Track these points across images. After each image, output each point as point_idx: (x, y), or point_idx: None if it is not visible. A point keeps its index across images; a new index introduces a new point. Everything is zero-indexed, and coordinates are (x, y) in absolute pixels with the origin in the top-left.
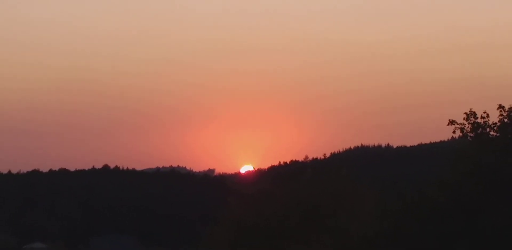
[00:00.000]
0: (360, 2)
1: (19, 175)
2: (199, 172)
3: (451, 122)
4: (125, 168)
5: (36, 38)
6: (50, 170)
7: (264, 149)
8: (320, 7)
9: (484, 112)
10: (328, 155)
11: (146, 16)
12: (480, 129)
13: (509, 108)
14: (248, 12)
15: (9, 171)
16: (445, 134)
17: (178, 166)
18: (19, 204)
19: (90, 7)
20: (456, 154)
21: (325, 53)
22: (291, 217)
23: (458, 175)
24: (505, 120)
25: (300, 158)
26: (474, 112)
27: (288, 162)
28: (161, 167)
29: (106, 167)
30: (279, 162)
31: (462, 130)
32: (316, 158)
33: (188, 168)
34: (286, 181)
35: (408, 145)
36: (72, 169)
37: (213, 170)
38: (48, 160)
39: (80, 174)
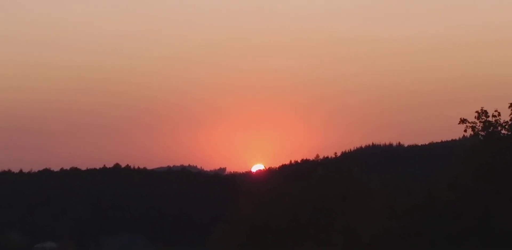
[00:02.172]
0: (370, 2)
1: (30, 174)
2: (210, 171)
3: (463, 121)
4: (136, 167)
5: (48, 38)
6: (62, 169)
7: (275, 147)
8: (330, 6)
9: (496, 111)
10: (339, 154)
11: (157, 15)
12: (492, 128)
13: None
14: (260, 11)
15: (21, 170)
16: (457, 132)
17: (189, 165)
18: (30, 203)
19: (101, 6)
20: (467, 152)
21: (337, 52)
22: (302, 216)
23: (468, 175)
24: None
25: (311, 157)
26: (486, 111)
27: (299, 161)
28: (172, 166)
29: (117, 166)
30: (290, 161)
31: (473, 128)
32: (327, 157)
33: (199, 166)
34: (297, 180)
35: (420, 144)
36: (83, 168)
37: (224, 169)
38: (59, 159)
39: (91, 173)
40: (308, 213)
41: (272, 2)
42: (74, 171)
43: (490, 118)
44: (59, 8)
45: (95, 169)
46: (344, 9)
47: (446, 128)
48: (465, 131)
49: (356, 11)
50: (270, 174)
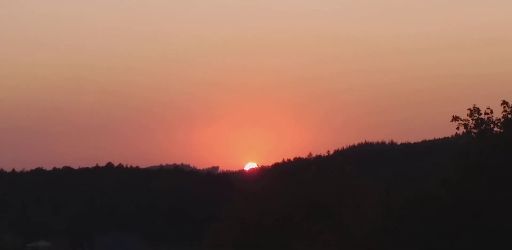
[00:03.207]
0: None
1: (23, 173)
2: (203, 169)
3: (455, 118)
4: (128, 165)
5: (42, 37)
6: (54, 168)
7: (268, 146)
8: (324, 4)
9: (488, 108)
10: (332, 152)
11: (152, 14)
12: (484, 125)
13: None
14: (252, 10)
15: (13, 170)
16: (449, 130)
17: (181, 163)
18: (23, 203)
19: (98, 5)
20: (460, 150)
21: (328, 50)
22: (295, 214)
23: (461, 172)
24: (509, 116)
25: (304, 155)
26: (478, 108)
27: (292, 159)
28: (164, 164)
29: (109, 165)
30: (283, 159)
31: (466, 126)
32: (320, 155)
33: (191, 165)
34: (290, 178)
35: (412, 142)
36: (76, 167)
37: (217, 168)
38: (51, 158)
39: (84, 172)
40: (301, 211)
41: (267, 0)
42: (67, 170)
43: (482, 116)
44: (56, 7)
45: (87, 168)
46: (338, 7)
47: (439, 126)
48: (458, 128)
49: (349, 9)
50: (263, 173)
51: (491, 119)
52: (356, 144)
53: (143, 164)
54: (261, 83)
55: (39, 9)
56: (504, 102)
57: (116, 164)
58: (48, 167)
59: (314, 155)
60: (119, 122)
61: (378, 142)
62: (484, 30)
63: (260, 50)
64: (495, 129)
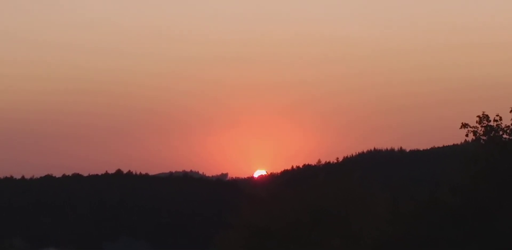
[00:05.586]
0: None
1: (32, 180)
2: (212, 176)
3: (464, 125)
4: (138, 172)
5: (51, 37)
6: (63, 175)
7: (277, 153)
8: (324, 6)
9: (497, 115)
10: (341, 159)
11: (167, 15)
12: (493, 132)
13: None
14: (259, 12)
15: (23, 176)
16: (458, 137)
17: (191, 170)
18: (32, 209)
19: (111, 6)
20: (469, 157)
21: (339, 60)
22: (304, 221)
23: (470, 178)
24: None
25: (313, 162)
26: (487, 115)
27: (301, 166)
28: (174, 171)
29: (119, 172)
30: (292, 166)
31: (475, 133)
32: (329, 162)
33: (201, 172)
34: (298, 185)
35: (421, 148)
36: (85, 174)
37: (226, 175)
38: (61, 165)
39: (93, 179)
40: (309, 218)
41: (273, 4)
42: (76, 177)
43: (491, 123)
44: (65, 7)
45: (97, 175)
46: (340, 8)
47: (448, 133)
48: (467, 135)
49: (353, 10)
50: (272, 179)
51: (500, 127)
52: (365, 150)
53: (153, 171)
54: (271, 90)
55: (48, 10)
56: None
57: (125, 171)
58: (58, 174)
59: (323, 161)
60: (128, 130)
61: (387, 148)
62: (496, 31)
63: (270, 59)
64: (504, 136)
